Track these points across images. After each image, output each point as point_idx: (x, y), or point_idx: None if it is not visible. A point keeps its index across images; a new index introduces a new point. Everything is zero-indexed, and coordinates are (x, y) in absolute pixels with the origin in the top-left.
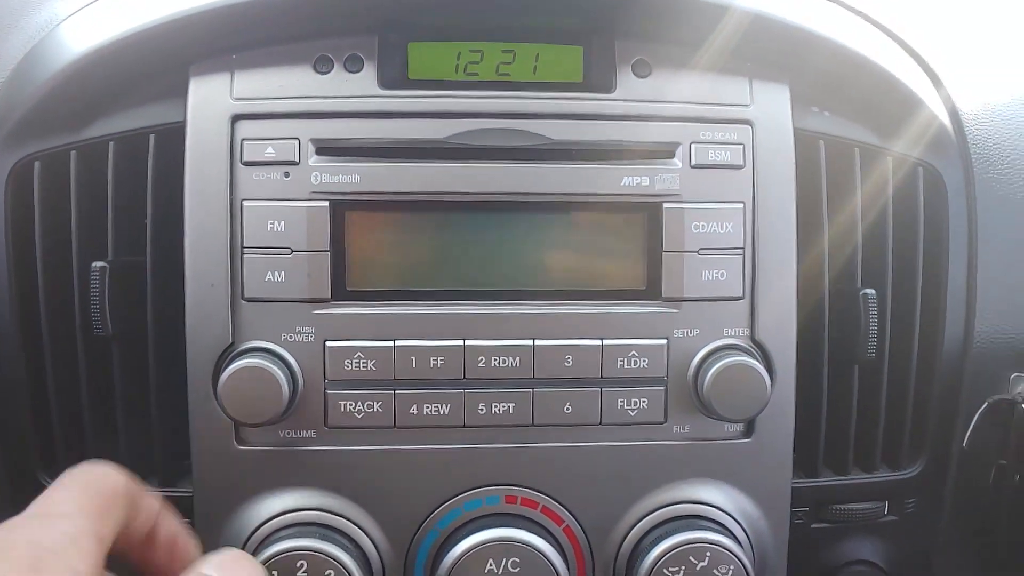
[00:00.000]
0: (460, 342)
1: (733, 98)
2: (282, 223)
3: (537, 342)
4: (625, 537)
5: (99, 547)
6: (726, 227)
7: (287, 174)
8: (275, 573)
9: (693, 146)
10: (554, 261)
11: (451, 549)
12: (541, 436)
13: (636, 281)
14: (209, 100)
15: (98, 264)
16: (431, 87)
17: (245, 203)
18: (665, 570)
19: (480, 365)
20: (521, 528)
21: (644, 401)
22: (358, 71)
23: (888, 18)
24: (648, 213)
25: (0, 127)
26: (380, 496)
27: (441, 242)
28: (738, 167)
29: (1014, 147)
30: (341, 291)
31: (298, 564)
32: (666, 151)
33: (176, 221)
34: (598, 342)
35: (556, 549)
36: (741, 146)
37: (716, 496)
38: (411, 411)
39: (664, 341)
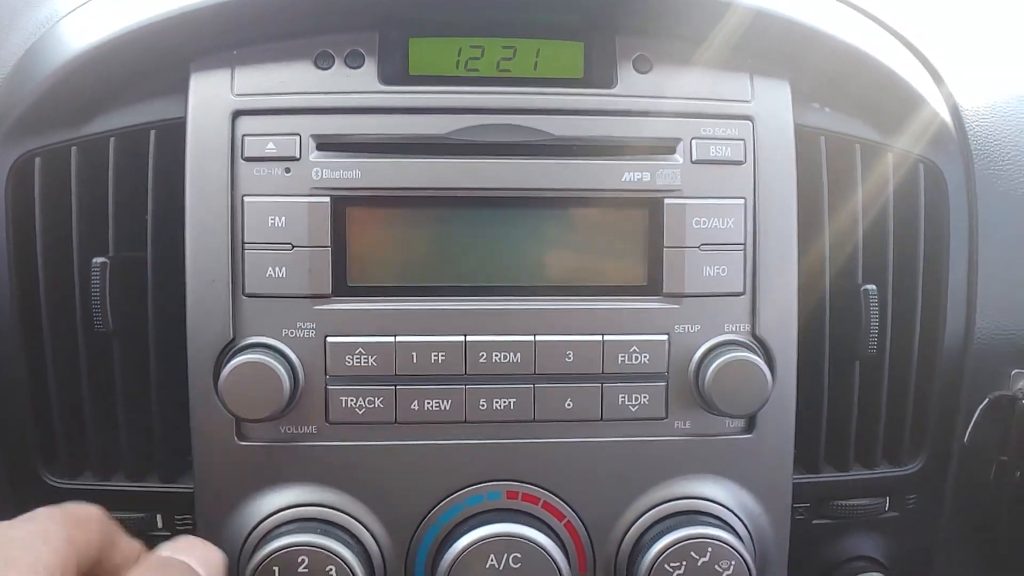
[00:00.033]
0: (461, 338)
1: (734, 94)
2: (283, 219)
3: (538, 338)
4: (626, 533)
5: (69, 549)
6: (727, 223)
7: (288, 170)
8: (276, 569)
9: (694, 142)
10: (555, 257)
11: (452, 545)
12: (542, 432)
13: (637, 277)
14: (210, 96)
15: (99, 260)
16: (432, 83)
17: (246, 199)
18: (666, 565)
19: (481, 361)
20: (522, 524)
21: (645, 397)
22: (359, 67)
23: (889, 15)
24: (649, 209)
25: (0, 123)
26: (381, 492)
27: (442, 238)
28: (739, 163)
29: (1015, 143)
30: (342, 287)
31: (299, 560)
32: (667, 147)
33: (177, 217)
34: (599, 338)
35: (557, 545)
36: (742, 142)
37: (717, 492)
38: (412, 407)
39: (665, 337)
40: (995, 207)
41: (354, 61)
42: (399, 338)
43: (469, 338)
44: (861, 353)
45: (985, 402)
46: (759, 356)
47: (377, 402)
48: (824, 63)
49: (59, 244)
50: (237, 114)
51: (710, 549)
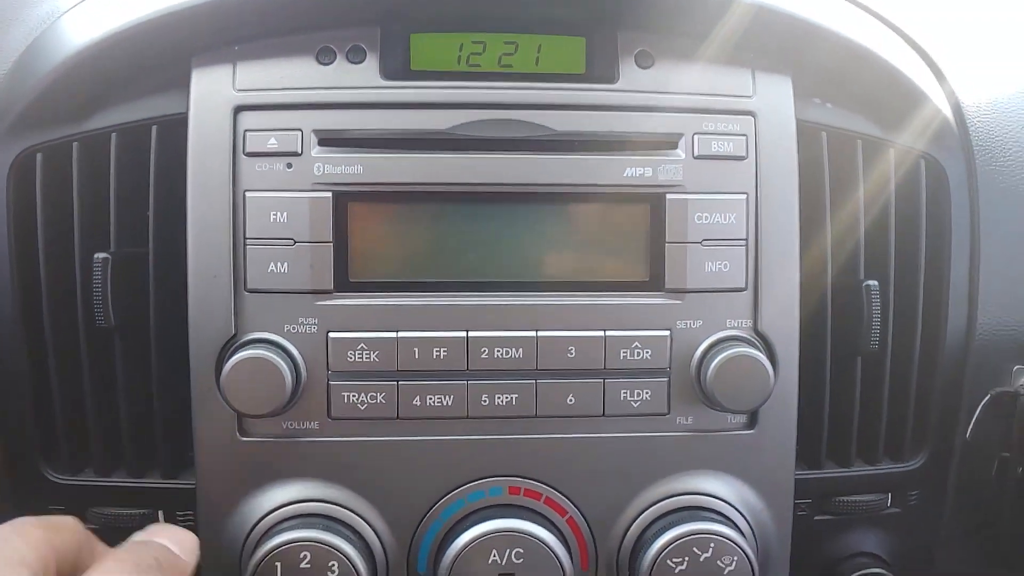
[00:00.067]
0: (463, 333)
1: (736, 89)
2: (285, 214)
3: (540, 333)
4: (628, 528)
5: (48, 548)
6: (729, 218)
7: (290, 165)
8: (278, 565)
9: (696, 137)
10: (557, 252)
11: (454, 540)
12: (544, 427)
13: (639, 272)
14: (211, 91)
15: (100, 255)
16: (433, 78)
17: (248, 194)
18: (668, 561)
19: (483, 356)
20: (525, 519)
21: (647, 392)
22: (360, 62)
23: (891, 11)
24: (651, 204)
25: (2, 119)
26: (383, 487)
27: (444, 233)
28: (741, 158)
29: (1016, 140)
30: (344, 282)
31: (301, 555)
32: (669, 142)
33: (178, 212)
34: (601, 333)
35: (560, 541)
36: (744, 137)
37: (719, 488)
38: (414, 402)
39: (667, 332)
40: (997, 203)
41: (356, 56)
42: (401, 334)
43: (471, 334)
44: (863, 349)
45: (987, 398)
46: (761, 352)
47: (379, 398)
48: (826, 59)
49: (61, 240)
50: (239, 109)
51: (712, 545)
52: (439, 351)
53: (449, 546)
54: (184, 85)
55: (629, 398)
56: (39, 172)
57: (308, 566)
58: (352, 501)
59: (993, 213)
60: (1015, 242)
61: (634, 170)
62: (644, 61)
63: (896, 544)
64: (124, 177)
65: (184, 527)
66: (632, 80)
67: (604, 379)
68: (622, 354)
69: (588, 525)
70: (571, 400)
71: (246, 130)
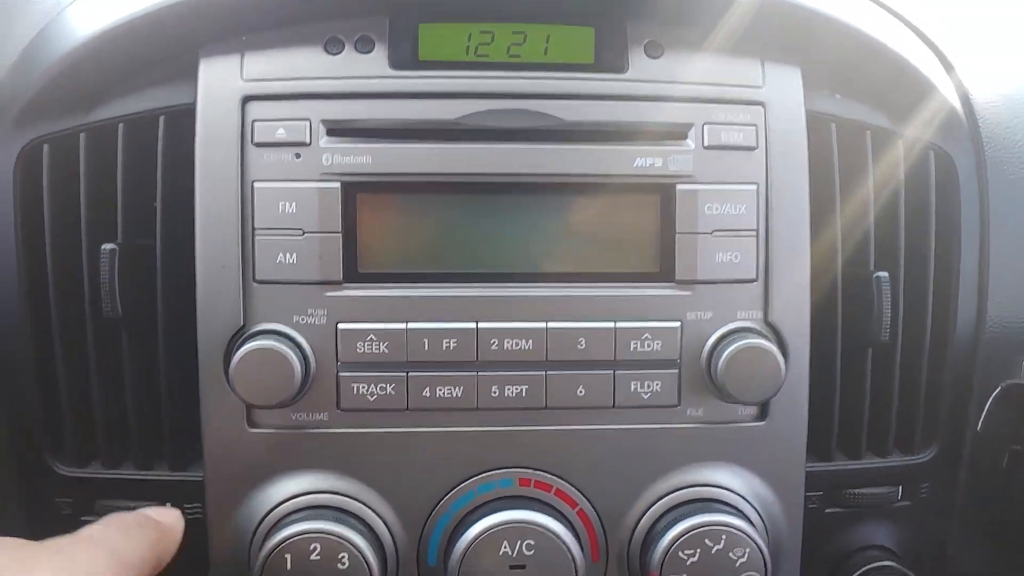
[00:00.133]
0: (473, 324)
1: (745, 79)
2: (293, 204)
3: (550, 325)
4: (639, 520)
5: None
6: (739, 208)
7: (298, 155)
8: (288, 557)
9: (706, 127)
10: (566, 243)
11: (465, 532)
12: (554, 419)
13: (649, 263)
14: (219, 81)
15: (108, 246)
16: (442, 68)
17: (256, 184)
18: (680, 553)
19: (493, 348)
20: (535, 511)
21: (657, 384)
22: (369, 52)
23: (898, 3)
24: (661, 195)
25: (9, 110)
26: (393, 479)
27: (453, 224)
28: (751, 148)
29: None
30: (353, 273)
31: (311, 547)
32: (679, 132)
33: (186, 203)
34: (611, 325)
35: (570, 532)
36: (754, 127)
37: (730, 479)
38: (424, 393)
39: (678, 324)
40: (1006, 195)
41: (364, 46)
42: (411, 325)
43: (481, 325)
44: (873, 341)
45: (998, 390)
46: (772, 343)
47: (388, 389)
48: (834, 50)
49: (68, 231)
50: (247, 99)
51: (724, 537)
52: (448, 342)
53: (459, 538)
54: (191, 75)
55: (639, 390)
56: (46, 163)
57: (318, 558)
58: (362, 493)
59: (1003, 205)
60: None
61: (644, 160)
62: (654, 51)
63: (907, 537)
64: (131, 168)
65: (192, 520)
66: (642, 70)
67: (614, 371)
68: (632, 345)
69: (599, 517)
70: (581, 392)
71: (254, 120)
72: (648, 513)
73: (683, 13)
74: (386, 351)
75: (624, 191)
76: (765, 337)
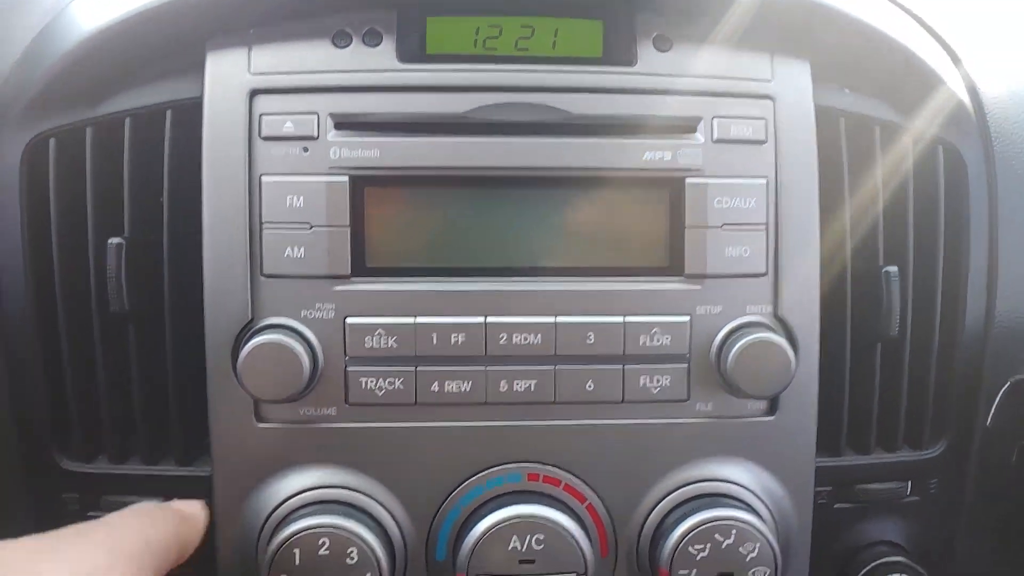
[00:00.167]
0: (481, 319)
1: (754, 73)
2: (301, 198)
3: (559, 319)
4: (648, 515)
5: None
6: (749, 202)
7: (306, 149)
8: (297, 552)
9: (715, 120)
10: (575, 237)
11: (474, 526)
12: (563, 413)
13: (659, 257)
14: (227, 75)
15: (114, 241)
16: (450, 61)
17: (264, 178)
18: (690, 548)
19: (502, 342)
20: (544, 505)
21: (666, 379)
22: (376, 45)
23: None
24: (670, 189)
25: (15, 104)
26: (401, 474)
27: (461, 218)
28: (760, 142)
29: None
30: (361, 267)
31: (320, 542)
32: (688, 126)
33: (193, 197)
34: (620, 319)
35: (579, 527)
36: (763, 121)
37: (740, 474)
38: (432, 388)
39: (687, 318)
40: (1015, 189)
41: (372, 40)
42: (419, 319)
43: (489, 319)
44: (882, 336)
45: (1007, 386)
46: (782, 337)
47: (397, 383)
48: (842, 43)
49: (74, 225)
50: (254, 93)
51: (734, 531)
52: (457, 337)
53: (468, 533)
54: (199, 69)
55: (648, 384)
56: (52, 157)
57: (327, 553)
58: (370, 487)
59: (1011, 199)
60: None
61: (653, 154)
62: (662, 44)
63: (916, 533)
64: (138, 162)
65: None
66: (650, 63)
67: (623, 365)
68: (641, 340)
69: (608, 512)
70: (590, 386)
71: (262, 114)
72: (657, 508)
73: (692, 6)
74: (394, 345)
75: (633, 185)
76: (775, 331)
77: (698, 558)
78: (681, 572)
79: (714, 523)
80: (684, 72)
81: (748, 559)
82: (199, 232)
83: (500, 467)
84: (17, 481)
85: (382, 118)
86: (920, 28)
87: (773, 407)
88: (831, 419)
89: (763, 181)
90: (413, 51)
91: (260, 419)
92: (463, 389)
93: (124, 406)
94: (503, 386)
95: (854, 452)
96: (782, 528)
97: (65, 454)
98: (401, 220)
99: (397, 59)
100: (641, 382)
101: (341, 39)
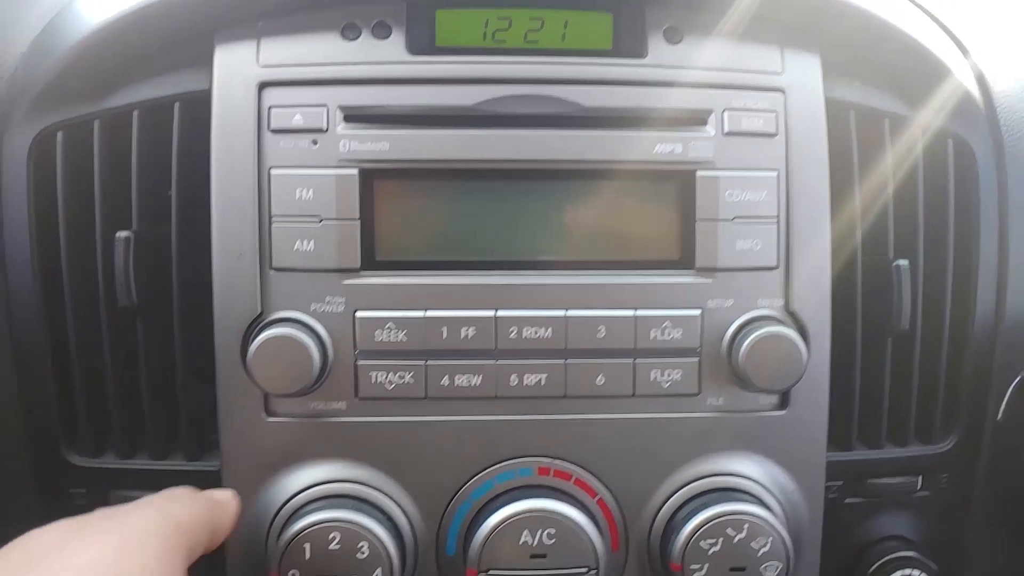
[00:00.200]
0: (491, 312)
1: (765, 66)
2: (311, 191)
3: (569, 313)
4: (660, 509)
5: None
6: (760, 195)
7: (315, 142)
8: (307, 546)
9: (726, 113)
10: (586, 231)
11: (485, 521)
12: (573, 408)
13: (669, 250)
14: (235, 67)
15: (123, 234)
16: (459, 54)
17: (273, 171)
18: (701, 542)
19: (512, 336)
20: (555, 500)
21: (677, 373)
22: (386, 38)
23: None
24: (681, 181)
25: (22, 97)
26: (412, 468)
27: (471, 211)
28: (771, 135)
29: None
30: (371, 260)
31: (331, 536)
32: (699, 118)
33: (202, 190)
34: (631, 313)
35: (591, 521)
36: (774, 114)
37: (751, 469)
38: (442, 382)
39: (698, 312)
40: None
41: (381, 32)
42: (429, 312)
43: (499, 313)
44: (893, 329)
45: (1017, 380)
46: (794, 331)
47: (407, 377)
48: (851, 35)
49: (81, 219)
50: (263, 85)
51: (747, 526)
52: (467, 330)
53: (479, 527)
54: (207, 62)
55: (659, 378)
56: (59, 151)
57: (337, 547)
58: (380, 482)
59: (1021, 193)
60: None
61: (664, 146)
62: (672, 37)
63: (926, 527)
64: (146, 155)
65: None
66: (661, 56)
67: (634, 359)
68: (652, 334)
69: (619, 506)
70: (601, 380)
71: (271, 106)
72: (669, 502)
73: None
74: (404, 339)
75: (644, 178)
76: (787, 325)
77: (710, 552)
78: (693, 567)
79: (726, 518)
80: (694, 64)
81: (760, 554)
82: (208, 226)
83: (510, 461)
84: (25, 476)
85: (391, 110)
86: (929, 20)
87: (784, 401)
88: (841, 413)
89: (774, 174)
90: (422, 43)
91: (270, 413)
92: (473, 383)
93: (132, 401)
94: (513, 380)
95: (864, 447)
96: (793, 523)
97: (73, 449)
98: (411, 213)
99: (406, 51)
100: (652, 376)
101: (350, 31)
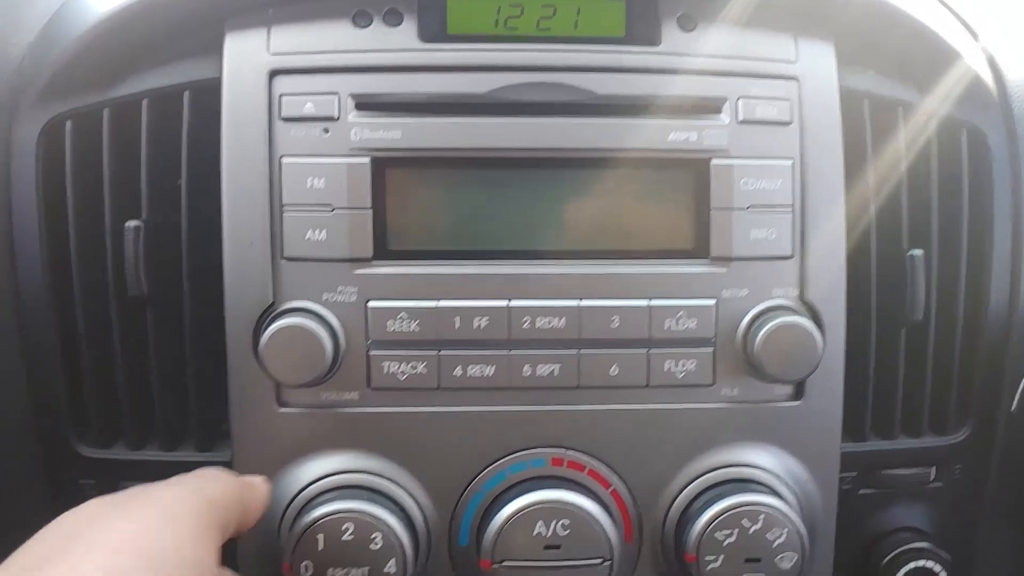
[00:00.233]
0: (505, 302)
1: (779, 54)
2: (322, 180)
3: (583, 302)
4: (674, 500)
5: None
6: (775, 184)
7: (326, 130)
8: (320, 537)
9: (741, 101)
10: (599, 219)
11: (499, 511)
12: (587, 398)
13: (684, 240)
14: (246, 55)
15: (132, 223)
16: (471, 41)
17: (284, 160)
18: (717, 533)
19: (525, 326)
20: (568, 491)
21: (692, 363)
22: (397, 25)
23: None
24: (695, 170)
25: (30, 87)
26: (424, 459)
27: (484, 200)
28: (785, 123)
29: None
30: (383, 250)
31: (344, 527)
32: (713, 106)
33: (212, 179)
34: (645, 303)
35: (605, 512)
36: (788, 102)
37: (766, 460)
38: (455, 372)
39: (713, 301)
40: None
41: (392, 19)
42: (442, 302)
43: (513, 303)
44: (907, 320)
45: None
46: (809, 320)
47: (420, 367)
48: (864, 23)
49: (91, 208)
50: (274, 73)
51: (762, 517)
52: (480, 320)
53: (493, 518)
54: (217, 49)
55: (673, 369)
56: (68, 140)
57: (351, 537)
58: (393, 472)
59: None
60: None
61: (678, 135)
62: (686, 24)
63: (939, 519)
64: (155, 144)
65: None
66: (674, 43)
67: (648, 349)
68: (667, 324)
69: (632, 497)
70: (614, 371)
71: (281, 94)
72: (683, 493)
73: None
74: (417, 329)
75: (657, 166)
76: (802, 315)
77: (725, 544)
78: (708, 558)
79: (742, 508)
80: (708, 52)
81: (775, 545)
82: (218, 214)
83: (523, 452)
84: (34, 467)
85: (403, 98)
86: (940, 6)
87: (799, 392)
88: (855, 404)
89: (788, 162)
90: (434, 31)
91: (281, 404)
92: (486, 373)
93: (142, 392)
94: (526, 370)
95: (878, 437)
96: (807, 514)
97: (83, 440)
98: (423, 202)
99: (418, 39)
100: (666, 366)
101: (361, 19)
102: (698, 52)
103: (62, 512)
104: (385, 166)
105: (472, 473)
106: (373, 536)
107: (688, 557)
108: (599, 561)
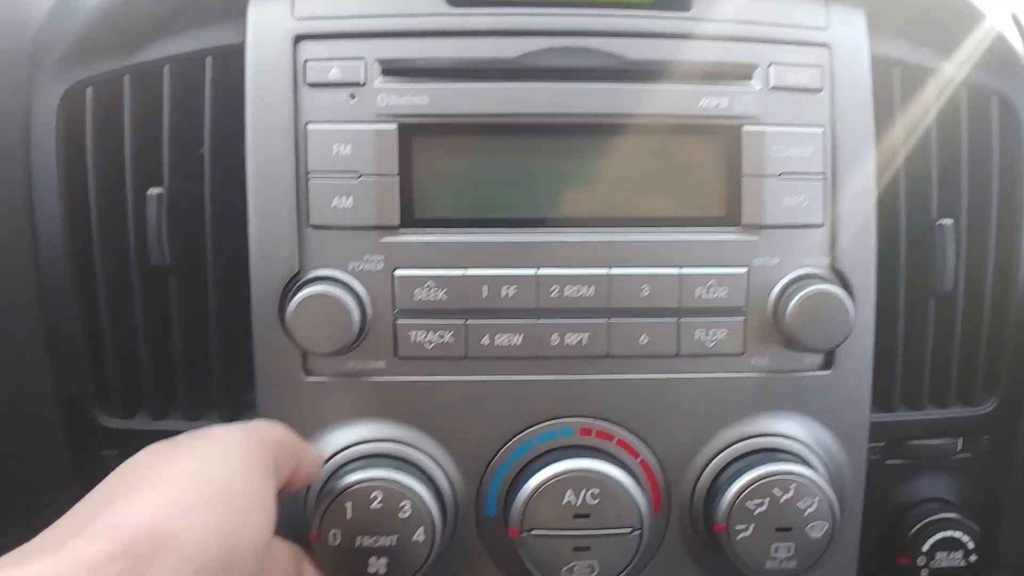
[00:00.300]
0: (533, 271)
1: (810, 21)
2: (349, 146)
3: (613, 271)
4: (704, 470)
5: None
6: (806, 151)
7: (353, 96)
8: (349, 505)
9: (772, 68)
10: (629, 186)
11: (527, 481)
12: (616, 367)
13: (714, 207)
14: (270, 20)
15: (155, 191)
16: (501, 5)
17: (310, 126)
18: (748, 503)
19: (553, 295)
20: (598, 460)
21: (722, 332)
22: None
23: None
24: (726, 136)
25: (51, 52)
26: (451, 428)
27: (512, 167)
28: (816, 90)
29: None
30: (410, 218)
31: (372, 496)
32: (744, 72)
33: (235, 146)
34: (676, 271)
35: (634, 482)
36: (819, 69)
37: (796, 429)
38: (483, 341)
39: (744, 270)
40: None
41: None
42: (469, 271)
43: (541, 271)
44: (936, 290)
45: None
46: (841, 289)
47: (447, 336)
48: None
49: (112, 176)
50: (299, 38)
51: (793, 486)
52: (508, 289)
53: (521, 487)
54: (240, 14)
55: (704, 338)
56: (89, 107)
57: (380, 506)
58: (420, 441)
59: None
60: None
61: (709, 100)
62: None
63: (966, 490)
64: (178, 111)
65: None
66: (705, 8)
67: (678, 318)
68: (697, 292)
69: (661, 467)
70: (644, 340)
71: (307, 60)
72: (712, 463)
73: None
74: (444, 298)
75: (688, 132)
76: (833, 283)
77: (755, 513)
78: (739, 527)
79: (773, 478)
80: (739, 18)
81: (806, 514)
82: (241, 182)
83: (552, 421)
84: (56, 437)
85: (431, 64)
86: None
87: (829, 361)
88: (884, 375)
89: (820, 130)
90: None
91: (308, 372)
92: (514, 342)
93: (165, 362)
94: (555, 339)
95: (906, 408)
96: (836, 483)
97: (104, 410)
98: (451, 169)
99: (446, 3)
100: (696, 335)
101: None
102: (729, 18)
103: (85, 482)
104: (412, 133)
105: (500, 443)
106: (402, 504)
107: (718, 527)
108: (629, 530)
